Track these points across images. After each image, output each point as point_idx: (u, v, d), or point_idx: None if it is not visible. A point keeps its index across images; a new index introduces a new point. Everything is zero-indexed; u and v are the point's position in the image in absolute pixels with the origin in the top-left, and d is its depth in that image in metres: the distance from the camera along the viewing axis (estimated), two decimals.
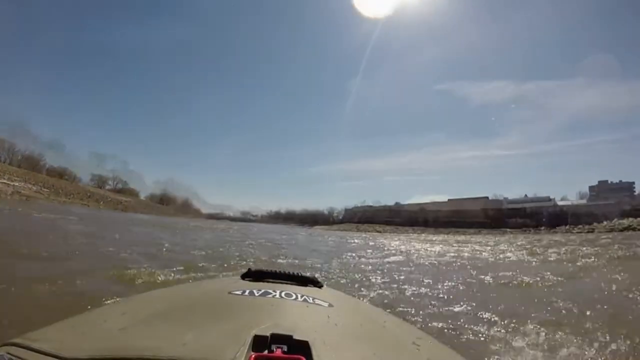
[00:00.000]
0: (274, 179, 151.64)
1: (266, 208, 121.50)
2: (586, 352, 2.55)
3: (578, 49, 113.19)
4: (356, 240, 21.80)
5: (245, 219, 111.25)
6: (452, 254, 11.78)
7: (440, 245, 18.06)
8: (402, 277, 6.01)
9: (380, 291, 4.67)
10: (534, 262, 9.11)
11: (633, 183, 66.07)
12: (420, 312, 3.59)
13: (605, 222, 47.45)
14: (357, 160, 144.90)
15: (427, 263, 9.03)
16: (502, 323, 3.16)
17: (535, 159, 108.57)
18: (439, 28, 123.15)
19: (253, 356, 0.52)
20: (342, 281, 5.41)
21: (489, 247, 16.14)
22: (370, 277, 5.82)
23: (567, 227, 50.91)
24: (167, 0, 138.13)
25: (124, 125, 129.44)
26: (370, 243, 19.04)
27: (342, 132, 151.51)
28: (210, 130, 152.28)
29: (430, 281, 5.63)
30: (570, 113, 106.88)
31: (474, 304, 3.87)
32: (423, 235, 42.03)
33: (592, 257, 9.48)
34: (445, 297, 4.42)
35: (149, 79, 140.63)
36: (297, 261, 8.03)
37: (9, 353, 0.55)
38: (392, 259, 9.83)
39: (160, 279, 4.21)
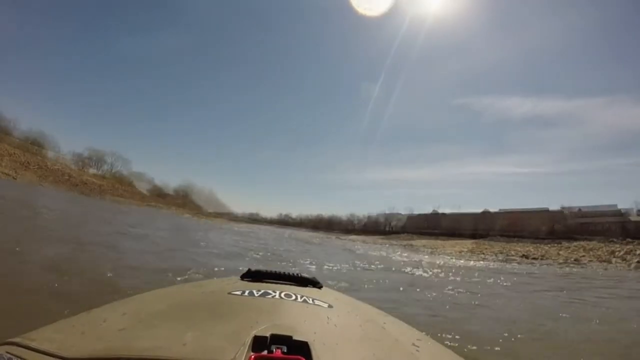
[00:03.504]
0: (272, 186, 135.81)
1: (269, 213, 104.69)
2: None
3: (599, 66, 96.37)
4: None
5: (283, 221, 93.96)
6: None
7: None
8: None
9: None
10: None
11: None
12: None
13: None
14: (366, 170, 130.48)
15: None
16: None
17: (554, 178, 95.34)
18: (461, 41, 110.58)
19: (253, 356, 0.50)
20: None
21: None
22: None
23: None
24: (187, 5, 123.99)
25: (130, 127, 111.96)
26: None
27: (353, 141, 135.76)
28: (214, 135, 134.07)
29: None
30: (589, 133, 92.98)
31: None
32: None
33: None
34: None
35: (163, 82, 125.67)
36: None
37: (8, 352, 0.53)
38: None
39: None
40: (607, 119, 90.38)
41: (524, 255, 17.36)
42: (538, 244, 32.78)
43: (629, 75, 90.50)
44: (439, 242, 39.68)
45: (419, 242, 42.20)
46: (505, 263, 16.07)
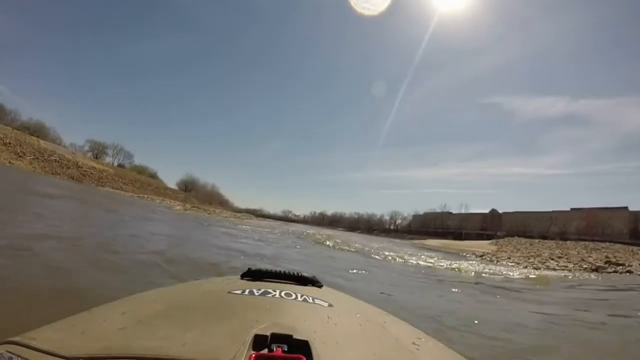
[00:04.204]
0: (275, 184, 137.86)
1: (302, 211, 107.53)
2: None
3: (632, 64, 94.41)
4: None
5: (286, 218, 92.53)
6: None
7: None
8: None
9: None
10: None
11: None
12: None
13: None
14: (394, 170, 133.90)
15: None
16: None
17: (586, 179, 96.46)
18: (488, 41, 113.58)
19: (253, 355, 0.50)
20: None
21: None
22: None
23: None
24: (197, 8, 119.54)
25: (134, 122, 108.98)
26: None
27: (355, 141, 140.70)
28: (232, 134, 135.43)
29: None
30: (623, 132, 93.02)
31: None
32: None
33: None
34: None
35: (167, 82, 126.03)
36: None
37: (9, 351, 0.52)
38: None
39: None
40: (611, 120, 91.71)
41: (608, 261, 14.71)
42: (562, 244, 30.66)
43: None
44: (458, 243, 37.29)
45: (432, 242, 39.81)
46: (596, 273, 12.77)
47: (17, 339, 0.56)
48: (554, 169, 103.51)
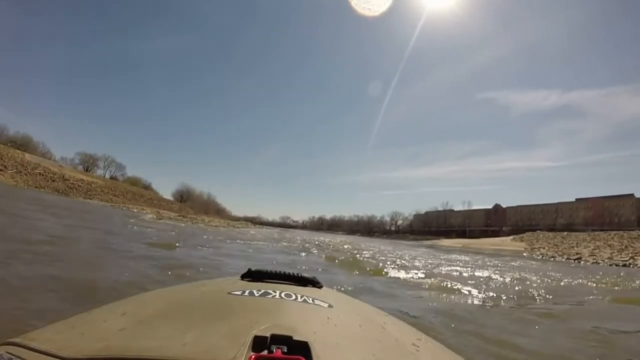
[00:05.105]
0: (272, 190, 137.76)
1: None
2: None
3: (621, 55, 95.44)
4: None
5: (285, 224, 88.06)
6: None
7: None
8: None
9: None
10: None
11: None
12: None
13: None
14: (392, 171, 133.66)
15: None
16: None
17: (583, 169, 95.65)
18: (479, 38, 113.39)
19: (253, 356, 0.49)
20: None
21: None
22: None
23: None
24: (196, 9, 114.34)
25: (128, 132, 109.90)
26: None
27: (376, 141, 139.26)
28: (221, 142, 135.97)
29: None
30: (615, 122, 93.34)
31: None
32: None
33: None
34: None
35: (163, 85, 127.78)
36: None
37: (8, 352, 0.52)
38: None
39: None
40: (605, 111, 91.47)
41: None
42: (596, 235, 28.59)
43: None
44: (478, 242, 34.66)
45: (447, 242, 37.27)
46: None
47: (16, 339, 0.55)
48: (551, 161, 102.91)
